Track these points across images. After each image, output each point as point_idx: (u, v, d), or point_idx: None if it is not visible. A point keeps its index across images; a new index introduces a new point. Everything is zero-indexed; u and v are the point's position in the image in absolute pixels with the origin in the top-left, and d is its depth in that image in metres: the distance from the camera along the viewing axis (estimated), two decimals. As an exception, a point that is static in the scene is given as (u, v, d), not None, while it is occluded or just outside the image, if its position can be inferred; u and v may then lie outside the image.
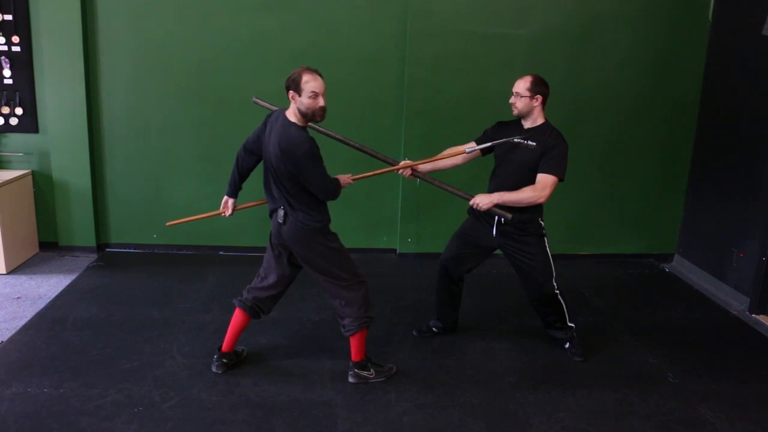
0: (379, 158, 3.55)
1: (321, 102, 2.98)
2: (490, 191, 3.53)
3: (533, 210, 3.46)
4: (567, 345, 3.71)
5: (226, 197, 3.37)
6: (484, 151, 3.62)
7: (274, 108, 3.33)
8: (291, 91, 2.97)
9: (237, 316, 3.36)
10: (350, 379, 3.31)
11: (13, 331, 3.76)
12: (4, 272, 4.68)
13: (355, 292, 3.22)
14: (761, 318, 4.32)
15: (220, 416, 2.99)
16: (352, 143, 3.53)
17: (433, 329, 3.88)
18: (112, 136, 5.04)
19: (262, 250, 5.14)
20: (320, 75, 3.01)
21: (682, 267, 5.34)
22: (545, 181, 3.33)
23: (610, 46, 5.08)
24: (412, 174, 3.52)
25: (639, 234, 5.50)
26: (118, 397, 3.10)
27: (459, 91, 5.04)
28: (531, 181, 3.38)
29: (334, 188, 3.12)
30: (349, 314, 3.21)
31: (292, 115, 3.02)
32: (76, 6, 4.69)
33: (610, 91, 5.18)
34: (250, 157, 3.25)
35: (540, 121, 3.46)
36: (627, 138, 5.29)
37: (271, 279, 3.31)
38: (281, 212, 3.10)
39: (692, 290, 4.90)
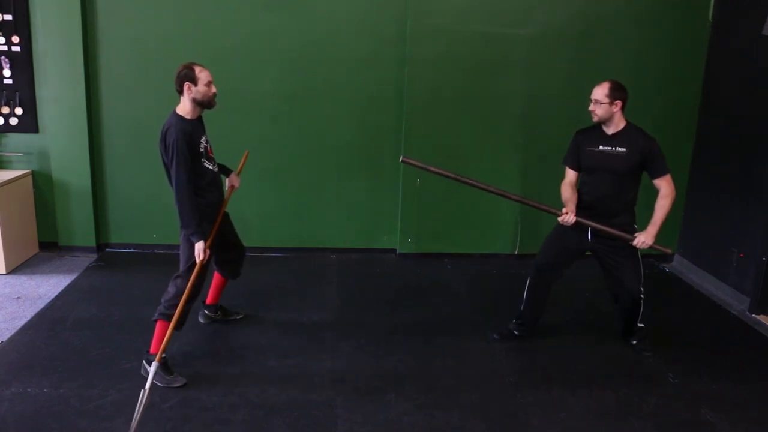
0: (542, 209, 3.68)
1: (214, 89, 3.28)
2: (584, 201, 3.58)
3: (629, 215, 3.56)
4: (635, 342, 3.78)
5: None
6: (579, 169, 3.65)
7: (424, 165, 3.61)
8: (186, 83, 3.19)
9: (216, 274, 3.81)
10: (142, 371, 3.27)
11: (13, 331, 3.76)
12: (4, 272, 4.67)
13: (175, 285, 3.31)
14: (761, 318, 4.32)
15: (220, 416, 2.99)
16: (513, 197, 3.71)
17: (515, 333, 3.86)
18: (112, 136, 5.04)
19: (263, 249, 5.22)
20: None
21: (682, 267, 5.34)
22: (666, 182, 3.48)
23: (610, 46, 5.08)
24: (576, 221, 3.51)
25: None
26: (118, 397, 3.09)
27: (459, 91, 5.05)
28: (627, 185, 3.49)
29: (184, 198, 3.20)
30: (162, 300, 3.28)
31: (181, 109, 3.26)
32: (76, 6, 4.69)
33: (610, 91, 5.17)
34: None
35: (622, 124, 3.51)
36: (627, 138, 5.28)
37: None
38: None
39: (692, 290, 4.90)
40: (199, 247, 3.25)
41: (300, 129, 5.10)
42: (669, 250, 3.58)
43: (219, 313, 3.94)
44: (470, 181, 3.61)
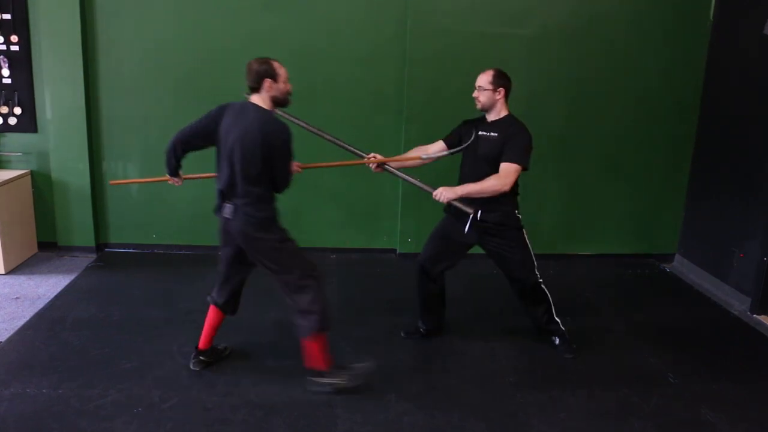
0: (348, 150, 3.61)
1: (290, 86, 3.11)
2: (458, 184, 3.52)
3: (509, 204, 3.48)
4: (557, 341, 3.73)
5: (169, 176, 3.34)
6: (449, 145, 3.65)
7: (296, 120, 3.50)
8: (267, 80, 3.01)
9: (211, 313, 3.37)
10: (309, 386, 3.19)
11: (12, 332, 3.75)
12: (3, 272, 4.67)
13: (307, 289, 3.09)
14: (762, 318, 4.32)
15: (220, 416, 2.98)
16: (325, 135, 3.61)
17: (420, 330, 3.86)
18: (112, 136, 5.03)
19: (262, 250, 5.19)
20: None
21: (682, 267, 5.34)
22: (508, 169, 3.34)
23: (610, 45, 5.08)
24: (379, 168, 3.54)
25: (639, 234, 5.50)
26: (117, 398, 3.09)
27: (459, 91, 5.00)
28: (494, 171, 3.39)
29: (290, 179, 3.16)
30: (301, 313, 3.10)
31: (263, 103, 3.05)
32: (75, 5, 4.69)
33: (610, 91, 5.17)
34: (186, 147, 3.21)
35: (503, 113, 3.49)
36: (627, 138, 5.29)
37: (226, 276, 3.30)
38: (229, 207, 3.08)
39: (693, 290, 4.90)
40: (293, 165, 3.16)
41: (300, 129, 5.08)
42: (470, 210, 3.31)
43: (213, 354, 3.48)
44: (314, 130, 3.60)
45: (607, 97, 5.19)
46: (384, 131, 5.10)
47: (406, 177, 3.53)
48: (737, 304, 4.55)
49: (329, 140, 3.60)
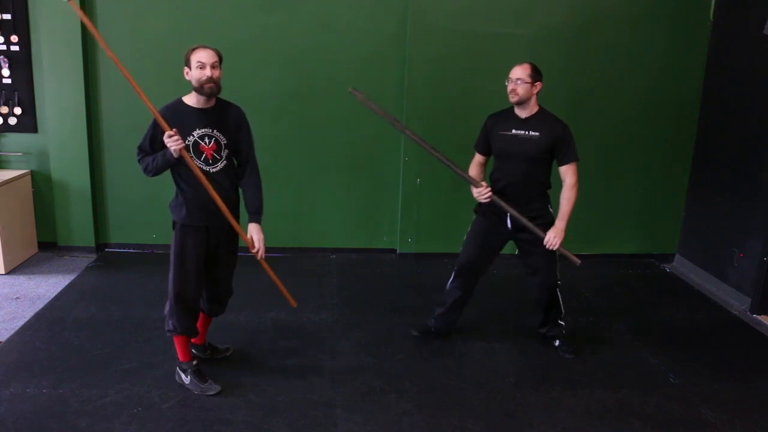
0: (463, 177, 3.51)
1: (207, 72, 2.93)
2: (494, 187, 3.50)
3: (543, 200, 3.51)
4: (557, 343, 3.73)
5: None
6: (488, 154, 3.62)
7: (371, 103, 3.55)
8: (185, 68, 3.00)
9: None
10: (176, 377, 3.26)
11: (12, 332, 3.75)
12: (3, 272, 4.67)
13: (169, 298, 3.12)
14: (762, 318, 4.31)
15: (220, 416, 2.98)
16: (443, 158, 3.50)
17: (432, 330, 3.86)
18: (111, 136, 5.03)
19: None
20: (215, 50, 2.99)
21: (682, 267, 5.34)
22: (572, 171, 3.41)
23: (610, 45, 5.08)
24: (489, 198, 3.43)
25: (639, 234, 5.49)
26: (117, 398, 3.09)
27: (460, 91, 5.04)
28: (539, 170, 3.43)
29: (146, 163, 3.15)
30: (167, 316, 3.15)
31: (188, 94, 3.05)
32: (75, 5, 4.68)
33: (610, 91, 5.17)
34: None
35: (535, 109, 3.47)
36: (628, 138, 5.29)
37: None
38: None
39: (693, 290, 4.90)
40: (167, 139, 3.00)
41: (300, 129, 5.10)
42: (577, 260, 3.41)
43: (208, 351, 3.55)
44: (414, 137, 3.56)
45: (607, 96, 5.19)
46: (384, 131, 5.10)
47: (520, 217, 3.40)
48: (737, 304, 4.54)
49: (445, 163, 3.50)
